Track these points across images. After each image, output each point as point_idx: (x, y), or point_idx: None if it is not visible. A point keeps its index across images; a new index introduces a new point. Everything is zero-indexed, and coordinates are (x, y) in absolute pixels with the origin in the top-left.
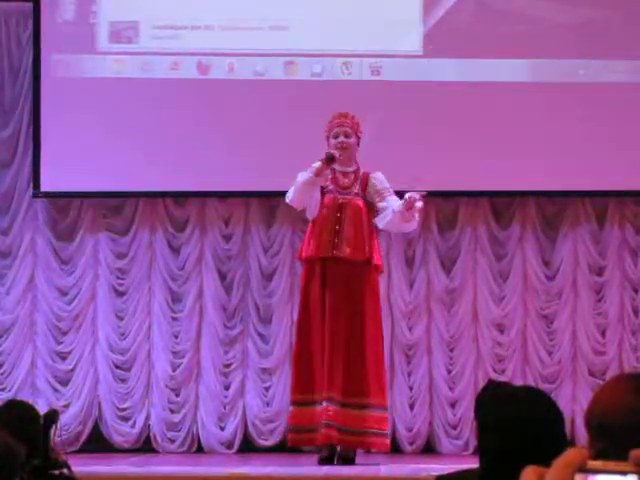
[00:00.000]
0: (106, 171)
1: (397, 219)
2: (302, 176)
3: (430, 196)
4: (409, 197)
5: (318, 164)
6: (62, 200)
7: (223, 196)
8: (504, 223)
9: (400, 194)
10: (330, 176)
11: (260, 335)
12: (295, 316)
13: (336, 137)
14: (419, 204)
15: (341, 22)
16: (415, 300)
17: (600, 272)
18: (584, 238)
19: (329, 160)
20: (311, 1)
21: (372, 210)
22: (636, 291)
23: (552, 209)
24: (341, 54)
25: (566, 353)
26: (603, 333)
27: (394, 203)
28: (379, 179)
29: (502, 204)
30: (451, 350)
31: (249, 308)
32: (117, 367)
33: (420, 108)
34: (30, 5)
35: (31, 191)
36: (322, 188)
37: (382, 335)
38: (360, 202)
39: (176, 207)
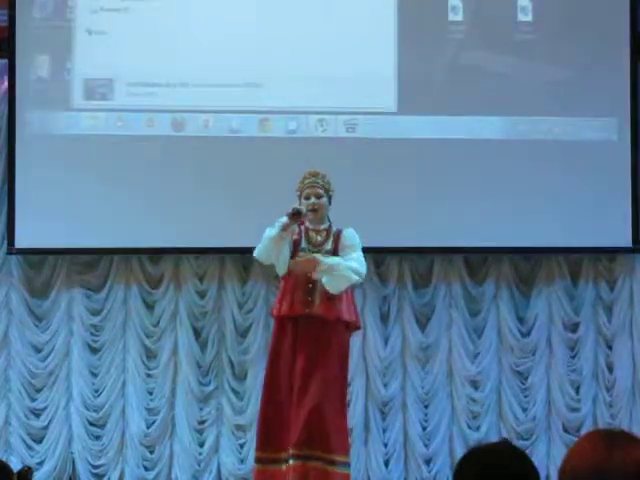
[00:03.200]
0: (80, 228)
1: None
2: (269, 231)
3: (404, 253)
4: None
5: (284, 219)
6: (36, 257)
7: (198, 253)
8: (478, 280)
9: (374, 250)
10: (297, 231)
11: (235, 391)
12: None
13: (307, 198)
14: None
15: (316, 79)
16: (390, 356)
17: (574, 328)
18: (558, 295)
19: (295, 215)
20: (286, 59)
21: None
22: (610, 347)
23: (526, 266)
24: (316, 111)
25: (540, 409)
26: (577, 389)
27: (350, 260)
28: (348, 236)
29: (476, 261)
30: (426, 406)
31: (224, 365)
32: (91, 424)
33: (395, 165)
34: (5, 62)
35: (5, 248)
36: (296, 246)
37: (344, 395)
38: (334, 259)
39: (151, 263)
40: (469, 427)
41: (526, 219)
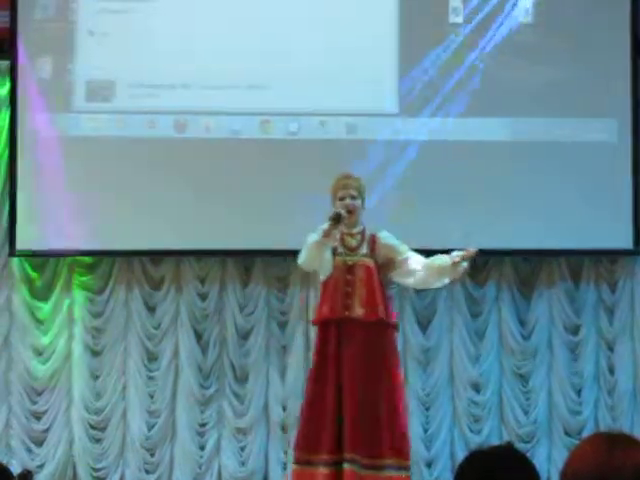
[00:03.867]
0: (82, 230)
1: (436, 272)
2: (311, 238)
3: None
4: (466, 252)
5: (326, 225)
6: (38, 259)
7: (199, 255)
8: (480, 282)
9: None
10: (339, 237)
11: (236, 395)
12: (306, 374)
13: (342, 199)
14: (465, 264)
15: (317, 81)
16: None
17: (575, 331)
18: (559, 297)
19: (336, 220)
20: (288, 60)
21: (385, 269)
22: (612, 350)
23: (527, 268)
24: (317, 113)
25: (542, 412)
26: (579, 392)
27: (414, 255)
28: (387, 236)
29: (477, 263)
30: (427, 409)
31: (225, 367)
32: (92, 427)
33: (395, 167)
34: (7, 63)
35: (7, 249)
36: (334, 250)
37: (402, 394)
38: (369, 263)
39: (152, 266)
40: (470, 430)
41: (527, 221)
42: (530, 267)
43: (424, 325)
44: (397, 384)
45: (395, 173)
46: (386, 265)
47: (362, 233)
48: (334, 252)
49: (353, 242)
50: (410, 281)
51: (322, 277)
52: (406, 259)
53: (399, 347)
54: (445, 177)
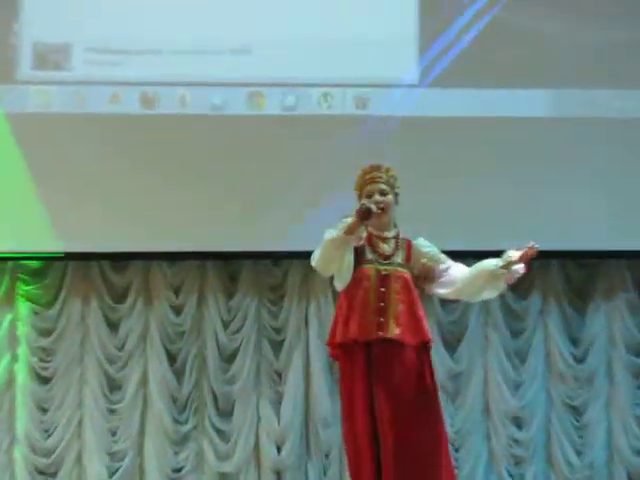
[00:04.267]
0: (26, 228)
1: (483, 280)
2: (330, 234)
3: None
4: (524, 252)
5: (350, 219)
6: None
7: (173, 258)
8: (522, 291)
9: None
10: (365, 238)
11: (219, 431)
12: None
13: (370, 196)
14: (521, 268)
15: (319, 44)
16: None
17: None
18: (620, 310)
19: (365, 215)
20: (280, 19)
21: (421, 281)
22: None
23: (581, 274)
24: (320, 83)
25: (599, 453)
26: None
27: (455, 264)
28: (426, 244)
29: None
30: (457, 450)
31: (205, 397)
32: (40, 472)
33: (416, 149)
34: None
35: None
36: (359, 256)
37: (442, 429)
38: (406, 274)
39: (114, 272)
40: (510, 475)
41: (579, 215)
42: (585, 273)
43: (452, 345)
44: (441, 416)
45: (415, 157)
46: (424, 276)
47: (396, 238)
48: (361, 258)
49: (387, 248)
50: (450, 292)
51: (339, 285)
52: (447, 268)
53: None
54: (474, 161)
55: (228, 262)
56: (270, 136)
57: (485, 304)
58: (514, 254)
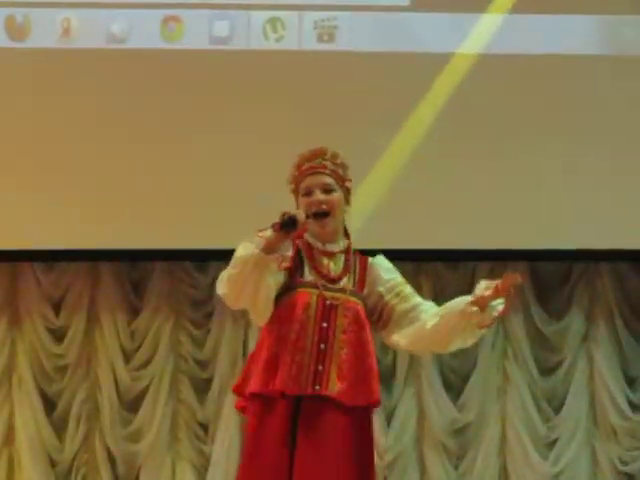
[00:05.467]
0: None
1: (454, 325)
2: (243, 251)
3: (422, 258)
4: (499, 284)
5: (269, 233)
6: None
7: (51, 258)
8: (555, 307)
9: (370, 252)
10: (302, 251)
11: None
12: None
13: (308, 194)
14: (500, 305)
15: None
16: (397, 445)
17: None
18: None
19: (288, 226)
20: None
21: (376, 319)
22: None
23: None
24: (264, 4)
25: None
26: None
27: (423, 303)
28: (387, 267)
29: (549, 273)
30: None
31: (97, 460)
32: None
33: (403, 98)
34: None
35: None
36: (293, 276)
37: None
38: (358, 304)
39: None
40: None
41: (634, 201)
42: None
43: (456, 386)
44: None
45: (401, 111)
46: (378, 313)
47: (346, 253)
48: (296, 279)
49: (333, 267)
50: (410, 341)
51: (259, 320)
52: (413, 307)
53: (410, 425)
54: (486, 121)
55: (132, 264)
56: (193, 79)
57: (503, 326)
58: (486, 284)
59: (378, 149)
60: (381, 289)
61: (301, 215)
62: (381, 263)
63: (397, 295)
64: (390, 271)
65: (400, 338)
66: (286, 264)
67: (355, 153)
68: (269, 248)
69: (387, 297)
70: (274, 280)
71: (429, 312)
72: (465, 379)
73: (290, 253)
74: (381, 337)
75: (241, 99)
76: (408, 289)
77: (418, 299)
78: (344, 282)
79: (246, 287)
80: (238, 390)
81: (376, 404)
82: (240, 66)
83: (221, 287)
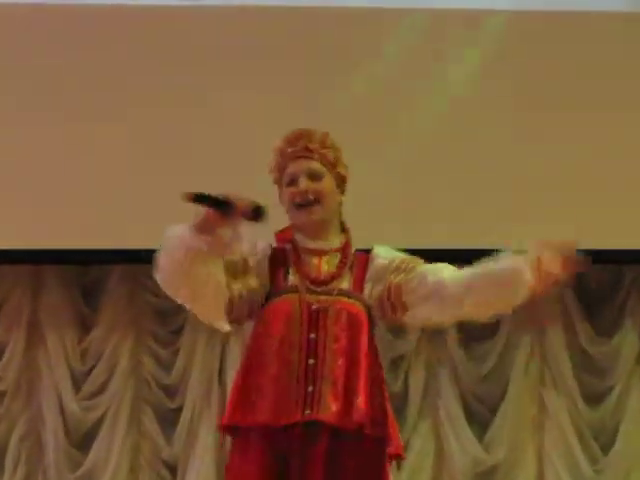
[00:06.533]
0: None
1: (490, 283)
2: (181, 231)
3: (436, 256)
4: (556, 243)
5: (203, 213)
6: None
7: None
8: (604, 322)
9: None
10: (263, 247)
11: None
12: None
13: (292, 183)
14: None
15: None
16: None
17: None
18: None
19: (251, 213)
20: None
21: (393, 311)
22: None
23: None
24: None
25: None
26: None
27: (437, 266)
28: (384, 254)
29: (598, 281)
30: None
31: None
32: None
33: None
34: None
35: None
36: (275, 279)
37: None
38: (354, 305)
39: None
40: None
41: None
42: None
43: (482, 419)
44: None
45: (394, 80)
46: (392, 303)
47: (343, 249)
48: (278, 284)
49: (322, 266)
50: (440, 308)
51: (220, 325)
52: (424, 274)
53: (426, 468)
54: (530, 82)
55: (83, 268)
56: (162, 42)
57: (538, 344)
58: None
59: (379, 145)
60: (388, 276)
61: (263, 206)
62: (380, 252)
63: (403, 271)
64: (390, 253)
65: (427, 307)
66: (229, 251)
67: (355, 149)
68: (205, 228)
69: (391, 277)
70: (226, 272)
71: (454, 273)
72: (493, 410)
73: (263, 247)
74: (411, 322)
75: (162, 67)
76: (414, 260)
77: (430, 265)
78: (337, 283)
79: (198, 279)
80: (223, 425)
81: (383, 428)
82: (163, 24)
83: (162, 277)
